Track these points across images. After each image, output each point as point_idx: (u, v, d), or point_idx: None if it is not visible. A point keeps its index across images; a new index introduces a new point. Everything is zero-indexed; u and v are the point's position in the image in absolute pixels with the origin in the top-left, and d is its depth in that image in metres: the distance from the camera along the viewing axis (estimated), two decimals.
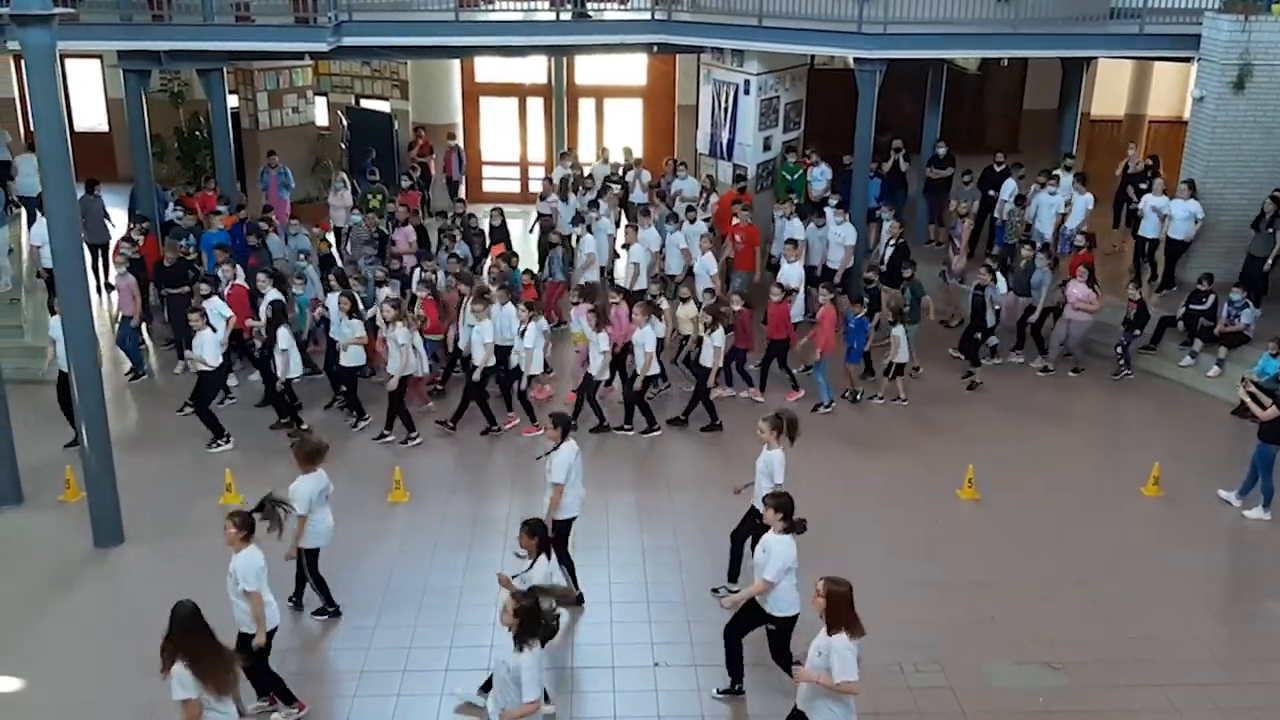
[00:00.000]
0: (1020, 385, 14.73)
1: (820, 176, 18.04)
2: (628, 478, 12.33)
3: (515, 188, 22.77)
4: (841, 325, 14.00)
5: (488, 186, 22.50)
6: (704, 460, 12.67)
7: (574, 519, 9.73)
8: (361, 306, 13.38)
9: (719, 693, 8.77)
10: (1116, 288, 15.31)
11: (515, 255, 15.38)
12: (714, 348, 12.92)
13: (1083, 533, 11.26)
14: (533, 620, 6.84)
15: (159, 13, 16.16)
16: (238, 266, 14.31)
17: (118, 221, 17.69)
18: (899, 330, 13.77)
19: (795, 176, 18.07)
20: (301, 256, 14.98)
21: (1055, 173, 16.97)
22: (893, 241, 15.75)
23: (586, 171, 19.33)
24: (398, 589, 10.12)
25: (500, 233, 16.63)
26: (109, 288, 16.49)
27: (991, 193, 17.63)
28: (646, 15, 17.75)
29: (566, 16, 17.94)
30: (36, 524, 11.20)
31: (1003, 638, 9.56)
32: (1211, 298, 14.44)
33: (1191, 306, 14.62)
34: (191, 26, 16.04)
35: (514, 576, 7.98)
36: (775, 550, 8.13)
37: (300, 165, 20.29)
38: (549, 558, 8.22)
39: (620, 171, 19.26)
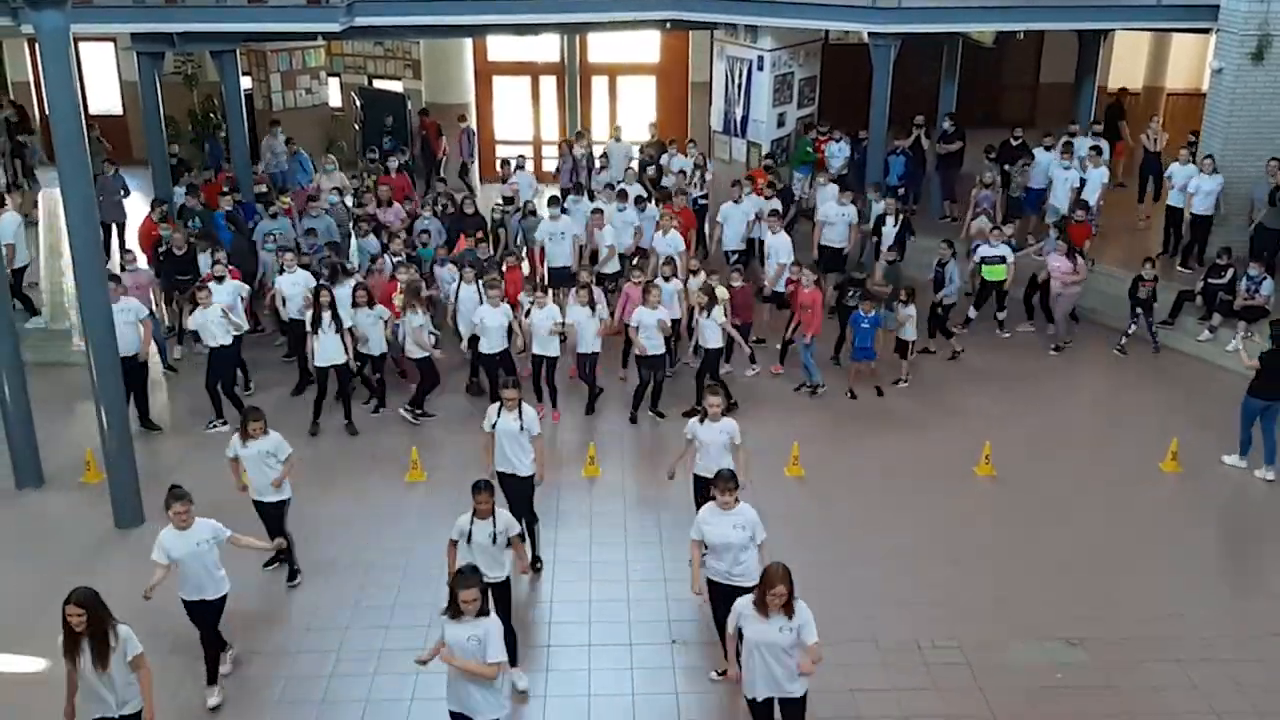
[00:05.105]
0: (1035, 362, 14.65)
1: (838, 153, 17.89)
2: (642, 458, 12.33)
3: (529, 167, 22.63)
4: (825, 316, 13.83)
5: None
6: None
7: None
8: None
9: None
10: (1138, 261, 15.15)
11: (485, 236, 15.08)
12: (718, 324, 12.78)
13: (1101, 509, 11.22)
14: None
15: None
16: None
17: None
18: (911, 310, 13.68)
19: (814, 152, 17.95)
20: (270, 238, 14.75)
21: (1087, 135, 16.63)
22: (894, 219, 15.48)
23: (600, 150, 19.19)
24: (416, 568, 10.18)
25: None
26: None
27: (1008, 167, 17.53)
28: None
29: None
30: (58, 506, 11.28)
31: (1021, 614, 9.55)
32: (1230, 271, 14.30)
33: (1210, 280, 14.49)
34: (204, 8, 16.01)
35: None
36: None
37: (314, 146, 20.29)
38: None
39: (654, 153, 18.63)
